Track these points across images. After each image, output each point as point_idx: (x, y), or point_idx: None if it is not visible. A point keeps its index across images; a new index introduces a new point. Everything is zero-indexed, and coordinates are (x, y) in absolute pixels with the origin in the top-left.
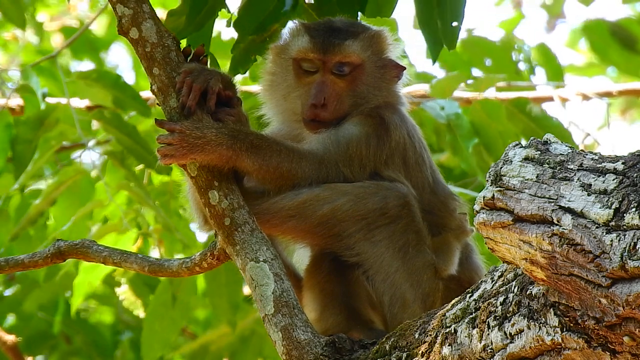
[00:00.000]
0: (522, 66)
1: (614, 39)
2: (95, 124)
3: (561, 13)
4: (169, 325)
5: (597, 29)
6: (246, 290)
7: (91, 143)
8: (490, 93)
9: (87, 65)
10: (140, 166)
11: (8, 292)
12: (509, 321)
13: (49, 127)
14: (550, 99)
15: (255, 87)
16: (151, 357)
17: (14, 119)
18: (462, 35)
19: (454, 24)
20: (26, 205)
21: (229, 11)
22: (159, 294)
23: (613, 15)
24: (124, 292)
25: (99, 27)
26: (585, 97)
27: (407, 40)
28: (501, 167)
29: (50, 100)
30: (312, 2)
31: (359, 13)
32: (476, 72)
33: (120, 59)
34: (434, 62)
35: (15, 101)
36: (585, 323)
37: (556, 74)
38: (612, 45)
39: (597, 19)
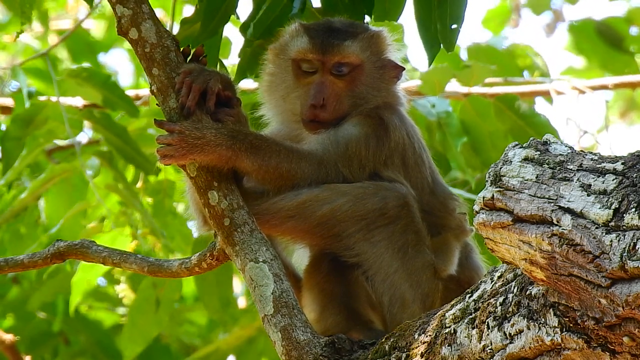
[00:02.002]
0: (527, 74)
1: (601, 38)
2: (88, 123)
3: (560, 16)
4: (152, 321)
5: (583, 29)
6: (236, 288)
7: (83, 140)
8: (483, 88)
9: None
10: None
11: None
12: (509, 321)
13: (39, 125)
14: (545, 93)
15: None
16: (131, 351)
17: (7, 117)
18: (467, 42)
19: (454, 26)
20: (14, 202)
21: (237, 17)
22: (142, 290)
23: (603, 14)
24: (123, 290)
25: (98, 30)
26: (581, 92)
27: (407, 38)
28: (501, 168)
29: (40, 98)
30: (320, 6)
31: (367, 17)
32: None
33: (121, 61)
34: (429, 64)
35: (11, 100)
36: (585, 323)
37: (543, 74)
38: (599, 44)
39: (583, 18)
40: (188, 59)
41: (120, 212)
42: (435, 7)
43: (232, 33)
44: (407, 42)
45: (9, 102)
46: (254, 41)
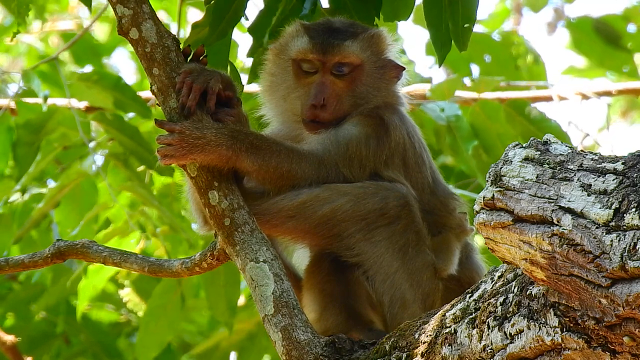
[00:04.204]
0: (521, 63)
1: (598, 35)
2: (94, 126)
3: (562, 15)
4: (166, 326)
5: (581, 26)
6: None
7: (92, 144)
8: (490, 93)
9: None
10: (141, 167)
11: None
12: (509, 321)
13: (51, 129)
14: (549, 98)
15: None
16: (146, 357)
17: (15, 122)
18: None
19: (466, 25)
20: (29, 209)
21: (246, 18)
22: (156, 296)
23: (601, 11)
24: (127, 294)
25: (102, 33)
26: (585, 97)
27: (407, 36)
28: (501, 168)
29: (51, 102)
30: (327, 7)
31: (376, 17)
32: (475, 68)
33: (124, 62)
34: (440, 64)
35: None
36: (585, 323)
37: (540, 74)
38: (597, 41)
39: (581, 15)
40: (188, 58)
41: (132, 212)
42: (446, 6)
43: (239, 35)
44: (408, 44)
45: (12, 103)
46: (264, 43)
